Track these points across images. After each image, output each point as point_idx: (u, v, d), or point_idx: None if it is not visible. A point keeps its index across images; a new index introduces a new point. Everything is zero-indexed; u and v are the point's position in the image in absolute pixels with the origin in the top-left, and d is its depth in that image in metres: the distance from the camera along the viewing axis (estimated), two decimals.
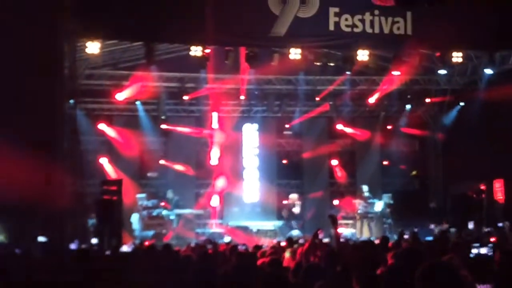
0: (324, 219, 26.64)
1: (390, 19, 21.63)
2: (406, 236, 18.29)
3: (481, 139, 25.80)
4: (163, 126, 29.63)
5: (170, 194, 27.80)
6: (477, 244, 8.10)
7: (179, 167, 29.32)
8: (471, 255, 7.54)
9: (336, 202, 29.41)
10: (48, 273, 8.87)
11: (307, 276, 7.18)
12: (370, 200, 28.16)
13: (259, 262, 9.84)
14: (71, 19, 20.32)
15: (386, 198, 28.36)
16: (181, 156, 29.50)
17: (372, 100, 29.37)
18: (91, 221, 23.10)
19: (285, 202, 28.10)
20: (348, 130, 30.75)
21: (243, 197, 30.20)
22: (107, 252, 16.00)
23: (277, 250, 13.57)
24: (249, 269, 7.16)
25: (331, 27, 21.45)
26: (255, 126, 30.68)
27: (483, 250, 7.31)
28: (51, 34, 19.87)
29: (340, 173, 30.99)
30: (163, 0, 20.55)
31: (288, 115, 30.75)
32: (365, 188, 28.43)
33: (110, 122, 29.00)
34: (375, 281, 6.79)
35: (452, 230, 19.76)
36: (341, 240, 20.45)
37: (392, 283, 5.37)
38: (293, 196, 28.04)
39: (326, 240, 18.36)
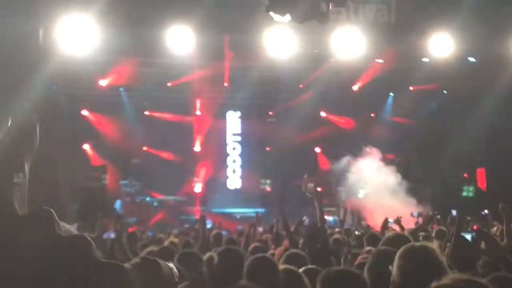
0: (307, 208, 26.90)
1: (374, 6, 21.64)
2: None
3: (464, 128, 25.93)
4: (147, 113, 29.60)
5: (133, 181, 27.94)
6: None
7: (162, 154, 29.31)
8: None
9: (319, 189, 29.46)
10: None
11: (290, 263, 7.19)
12: (353, 188, 28.23)
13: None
14: (54, 3, 20.22)
15: (369, 185, 28.42)
16: (165, 142, 29.48)
17: (355, 87, 29.41)
18: (75, 207, 23.07)
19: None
20: (332, 117, 30.80)
21: (226, 184, 30.24)
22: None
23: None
24: (234, 255, 7.15)
25: None
26: (239, 113, 30.70)
27: (466, 237, 7.40)
28: (33, 19, 19.76)
29: (323, 161, 31.04)
30: None
31: (271, 102, 30.74)
32: (348, 175, 28.50)
33: (93, 108, 28.91)
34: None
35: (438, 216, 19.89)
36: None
37: (376, 267, 5.39)
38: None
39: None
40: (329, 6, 10.60)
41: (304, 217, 17.60)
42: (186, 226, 23.83)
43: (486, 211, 24.70)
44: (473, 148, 25.82)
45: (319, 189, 27.91)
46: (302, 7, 10.05)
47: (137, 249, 11.63)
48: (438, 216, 18.59)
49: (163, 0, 20.15)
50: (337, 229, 17.75)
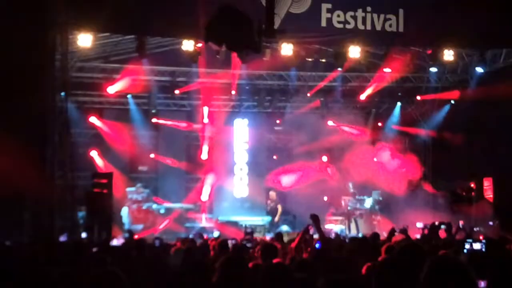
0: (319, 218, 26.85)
1: (382, 16, 21.67)
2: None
3: (471, 138, 25.89)
4: (154, 120, 29.62)
5: (140, 188, 27.93)
6: (470, 240, 8.20)
7: (169, 161, 29.31)
8: (464, 251, 7.64)
9: (325, 198, 29.41)
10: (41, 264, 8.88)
11: (299, 271, 7.19)
12: (359, 197, 28.26)
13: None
14: (63, 10, 20.27)
15: (376, 194, 28.42)
16: (172, 150, 29.50)
17: (363, 97, 29.44)
18: (81, 214, 23.04)
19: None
20: (339, 126, 30.76)
21: (233, 192, 30.21)
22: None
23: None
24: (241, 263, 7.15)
25: (323, 23, 21.48)
26: (246, 121, 30.68)
27: (476, 246, 7.39)
28: (42, 26, 19.81)
29: (330, 170, 30.95)
30: None
31: (279, 110, 30.78)
32: (350, 184, 28.57)
33: (101, 115, 28.95)
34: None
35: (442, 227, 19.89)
36: (332, 235, 20.56)
37: (387, 276, 5.39)
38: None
39: (316, 236, 18.35)
40: (261, 38, 10.97)
41: (310, 225, 17.58)
42: (194, 233, 23.87)
43: (491, 222, 24.72)
44: (481, 157, 25.74)
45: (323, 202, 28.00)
46: (236, 38, 10.42)
47: (145, 257, 11.63)
48: (443, 226, 18.52)
49: (172, 9, 20.19)
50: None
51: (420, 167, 29.27)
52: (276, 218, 28.14)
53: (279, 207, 28.23)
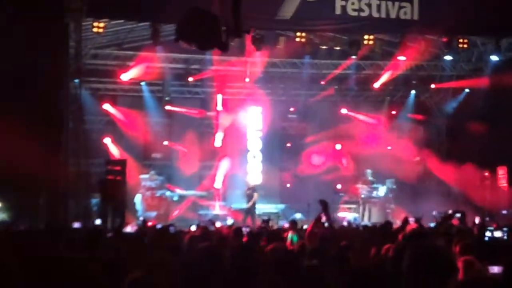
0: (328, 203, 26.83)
1: (397, 4, 21.60)
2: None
3: (486, 126, 25.78)
4: (168, 107, 29.64)
5: (154, 175, 27.96)
6: (491, 228, 8.26)
7: (182, 149, 29.33)
8: (486, 238, 7.67)
9: (339, 186, 29.40)
10: (54, 250, 8.90)
11: (311, 259, 7.21)
12: (373, 185, 28.21)
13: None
14: None
15: (389, 183, 28.36)
16: (185, 137, 29.50)
17: (377, 85, 29.34)
18: (95, 201, 23.10)
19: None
20: (353, 114, 30.72)
21: (246, 180, 30.21)
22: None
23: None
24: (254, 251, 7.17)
25: (338, 11, 21.44)
26: (260, 109, 30.64)
27: (498, 234, 7.43)
28: (56, 13, 19.86)
29: (344, 161, 30.89)
30: None
31: (292, 98, 30.73)
32: (369, 172, 28.50)
33: (114, 102, 28.97)
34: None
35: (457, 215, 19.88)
36: (344, 223, 20.56)
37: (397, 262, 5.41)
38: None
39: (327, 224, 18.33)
40: (228, 37, 11.21)
41: (322, 214, 17.56)
42: (206, 220, 23.89)
43: (505, 211, 24.64)
44: (495, 146, 25.63)
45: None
46: (205, 38, 10.66)
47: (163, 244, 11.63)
48: (458, 215, 18.52)
49: None
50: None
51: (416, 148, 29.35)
52: (249, 204, 27.63)
53: (255, 195, 27.93)
